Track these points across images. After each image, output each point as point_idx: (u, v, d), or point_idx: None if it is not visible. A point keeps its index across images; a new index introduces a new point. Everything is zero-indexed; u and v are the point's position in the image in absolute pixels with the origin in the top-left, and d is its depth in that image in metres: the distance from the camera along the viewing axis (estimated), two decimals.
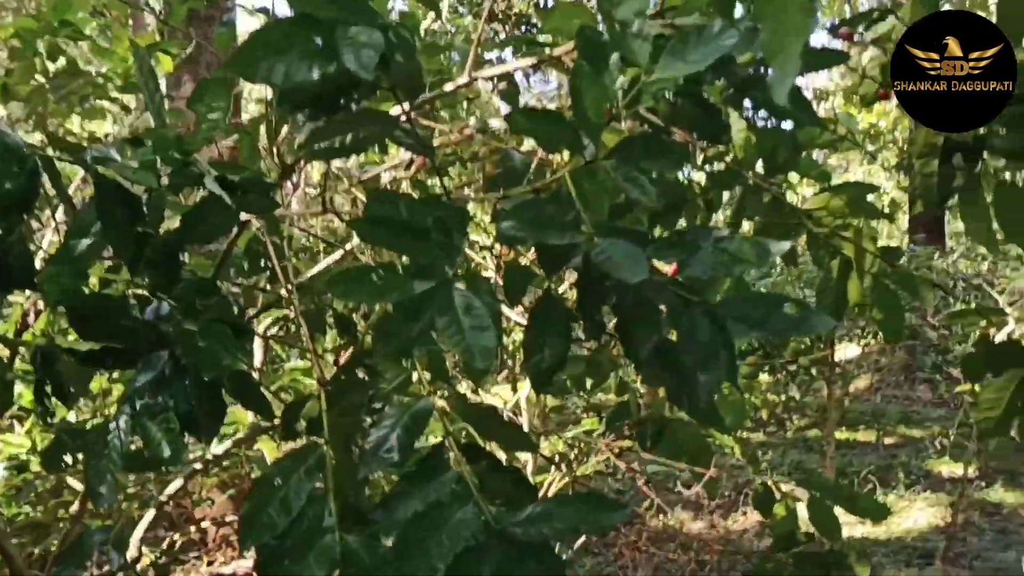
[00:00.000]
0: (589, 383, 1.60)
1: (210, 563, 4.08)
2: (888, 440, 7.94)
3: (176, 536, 3.40)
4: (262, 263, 1.51)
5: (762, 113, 1.26)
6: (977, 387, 4.24)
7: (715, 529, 5.60)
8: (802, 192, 1.52)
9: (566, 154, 1.05)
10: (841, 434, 7.24)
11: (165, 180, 1.08)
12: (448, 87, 1.23)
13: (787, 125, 1.65)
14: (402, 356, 0.80)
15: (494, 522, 0.86)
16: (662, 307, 0.89)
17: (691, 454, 1.49)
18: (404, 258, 0.83)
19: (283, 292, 1.57)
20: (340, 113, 0.91)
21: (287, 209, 1.37)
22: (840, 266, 1.42)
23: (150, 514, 1.94)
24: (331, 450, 0.93)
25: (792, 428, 7.77)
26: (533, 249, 0.97)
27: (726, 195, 1.71)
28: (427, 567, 0.84)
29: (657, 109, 1.16)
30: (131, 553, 1.86)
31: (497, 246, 1.79)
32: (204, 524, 4.07)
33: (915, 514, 6.02)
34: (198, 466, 2.03)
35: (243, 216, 1.40)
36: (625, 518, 0.82)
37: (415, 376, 1.06)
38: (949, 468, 7.01)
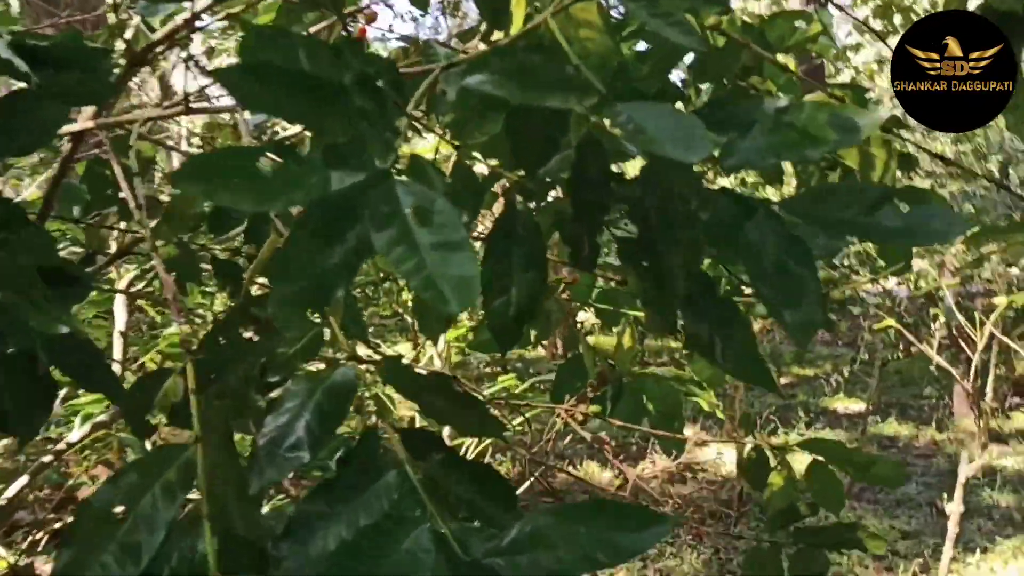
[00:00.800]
0: (533, 335, 1.31)
1: None
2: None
3: (40, 533, 2.96)
4: (109, 192, 1.14)
5: None
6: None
7: (623, 477, 5.49)
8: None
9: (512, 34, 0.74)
10: None
11: None
12: None
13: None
14: (315, 302, 0.47)
15: (461, 550, 0.55)
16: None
17: (662, 416, 1.23)
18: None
19: (144, 233, 1.21)
20: None
21: (137, 111, 1.01)
22: (840, 180, 1.17)
23: None
24: (204, 451, 0.60)
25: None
26: (503, 135, 0.65)
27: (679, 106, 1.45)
28: None
29: None
30: None
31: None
32: None
33: None
34: (48, 459, 1.64)
35: (78, 127, 1.04)
36: (664, 535, 0.53)
37: (328, 333, 0.73)
38: (844, 405, 7.20)
